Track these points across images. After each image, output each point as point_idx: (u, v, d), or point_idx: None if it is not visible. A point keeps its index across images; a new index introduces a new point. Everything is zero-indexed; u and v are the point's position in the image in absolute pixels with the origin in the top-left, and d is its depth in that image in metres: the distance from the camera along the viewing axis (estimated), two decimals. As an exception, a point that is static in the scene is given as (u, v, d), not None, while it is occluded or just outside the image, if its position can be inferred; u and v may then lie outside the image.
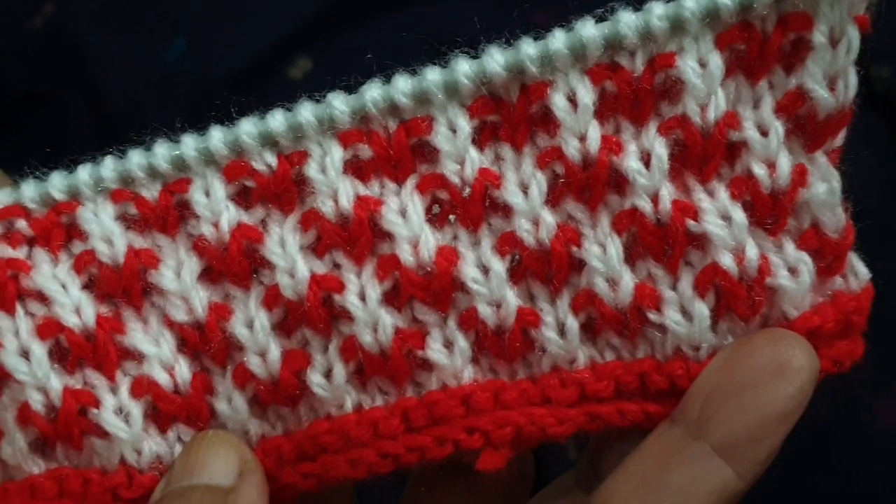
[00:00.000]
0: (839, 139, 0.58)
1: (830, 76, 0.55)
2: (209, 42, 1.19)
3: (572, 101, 0.56)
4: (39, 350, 0.58)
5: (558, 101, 0.56)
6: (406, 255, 0.58)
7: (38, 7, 1.21)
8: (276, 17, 1.21)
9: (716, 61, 0.55)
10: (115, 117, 1.15)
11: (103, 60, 1.18)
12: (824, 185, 0.58)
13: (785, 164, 0.56)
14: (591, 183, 0.57)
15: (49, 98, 1.19)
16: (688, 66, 0.55)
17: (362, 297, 0.58)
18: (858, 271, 0.61)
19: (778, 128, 0.56)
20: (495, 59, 0.56)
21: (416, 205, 0.58)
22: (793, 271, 0.58)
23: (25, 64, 1.20)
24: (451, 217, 0.59)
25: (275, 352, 0.59)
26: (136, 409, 0.59)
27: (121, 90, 1.16)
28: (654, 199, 0.57)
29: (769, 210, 0.57)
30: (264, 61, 1.19)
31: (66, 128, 1.17)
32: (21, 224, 0.60)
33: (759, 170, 0.56)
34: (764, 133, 0.56)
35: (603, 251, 0.58)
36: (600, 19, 0.56)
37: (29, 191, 0.60)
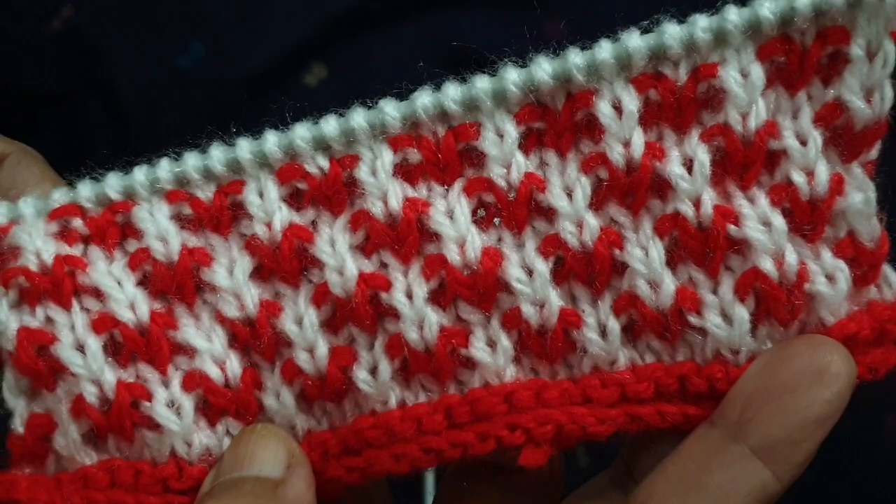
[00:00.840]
0: (874, 151, 0.60)
1: (867, 88, 0.57)
2: (226, 48, 1.21)
3: (617, 108, 0.58)
4: (94, 344, 0.60)
5: (604, 109, 0.58)
6: (453, 255, 0.59)
7: (56, 10, 1.23)
8: (292, 24, 1.23)
9: (757, 72, 0.57)
10: (132, 120, 1.17)
11: (121, 64, 1.20)
12: (860, 195, 0.59)
13: (823, 172, 0.58)
14: (635, 187, 0.59)
15: (66, 100, 1.21)
16: (730, 76, 0.57)
17: (409, 296, 0.60)
18: (892, 281, 0.62)
19: (816, 137, 0.58)
20: (543, 68, 0.58)
21: (462, 206, 0.60)
22: (830, 278, 0.59)
23: (43, 66, 1.22)
24: (496, 220, 0.60)
25: (322, 348, 0.61)
26: (187, 402, 0.61)
27: (138, 94, 1.19)
28: (697, 203, 0.58)
29: (808, 217, 0.59)
30: (280, 67, 1.21)
31: (84, 130, 1.19)
32: (77, 223, 0.62)
33: (799, 177, 0.58)
34: (803, 142, 0.58)
35: (645, 254, 0.59)
36: (645, 31, 0.58)
37: (85, 191, 0.63)
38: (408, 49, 1.16)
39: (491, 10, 1.13)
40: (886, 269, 0.62)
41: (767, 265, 0.58)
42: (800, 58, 0.57)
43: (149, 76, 1.20)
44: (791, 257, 0.58)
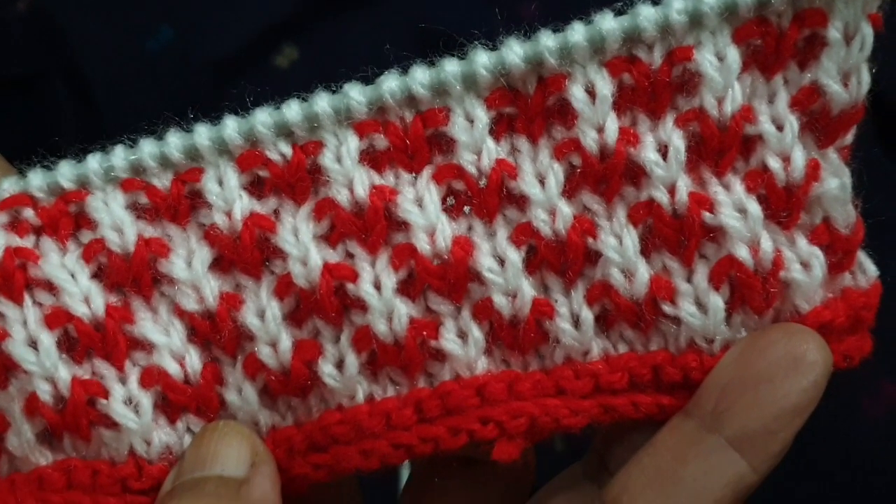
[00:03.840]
0: (850, 136, 0.59)
1: (844, 72, 0.56)
2: (195, 30, 1.19)
3: (591, 92, 0.57)
4: (48, 340, 0.58)
5: (577, 93, 0.56)
6: (422, 244, 0.58)
7: None
8: (262, 5, 1.21)
9: (733, 55, 0.56)
10: (99, 104, 1.15)
11: (88, 47, 1.17)
12: (836, 181, 0.58)
13: (799, 157, 0.57)
14: (608, 174, 0.57)
15: (33, 84, 1.18)
16: (705, 60, 0.56)
17: (377, 286, 0.58)
18: (867, 268, 0.62)
19: (793, 122, 0.57)
20: (514, 51, 0.56)
21: (432, 194, 0.58)
22: (805, 265, 0.58)
23: (8, 49, 1.19)
24: (467, 208, 0.59)
25: (286, 342, 0.59)
26: (145, 400, 0.59)
27: (106, 77, 1.16)
28: (671, 190, 0.57)
29: (783, 203, 0.58)
30: (250, 50, 1.19)
31: (50, 114, 1.17)
32: (28, 213, 0.60)
33: (775, 163, 0.57)
34: (779, 127, 0.57)
35: (619, 242, 0.58)
36: (619, 13, 0.56)
37: (36, 180, 0.60)
38: (380, 30, 1.15)
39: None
40: (861, 255, 0.61)
41: (743, 253, 0.57)
42: (776, 41, 0.56)
43: (117, 59, 1.18)
44: (766, 245, 0.57)
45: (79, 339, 0.59)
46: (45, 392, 0.58)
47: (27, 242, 0.59)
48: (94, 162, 0.60)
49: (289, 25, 1.19)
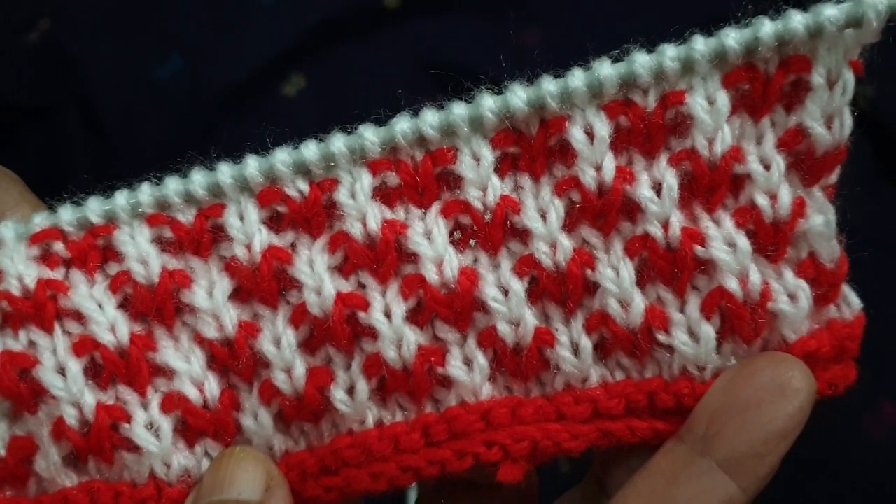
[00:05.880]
0: (834, 176, 0.63)
1: (828, 115, 0.60)
2: (204, 59, 1.22)
3: (589, 134, 0.60)
4: (75, 367, 0.61)
5: (577, 134, 0.60)
6: (431, 275, 0.61)
7: (33, 22, 1.23)
8: (270, 34, 1.24)
9: (723, 99, 0.59)
10: (110, 132, 1.17)
11: (99, 76, 1.20)
12: (821, 218, 0.62)
13: (786, 195, 0.60)
14: (606, 210, 0.61)
15: (44, 113, 1.20)
16: (697, 104, 0.59)
17: (388, 315, 0.61)
18: (851, 301, 0.65)
19: (779, 162, 0.60)
20: (518, 95, 0.60)
21: (440, 228, 0.61)
22: (792, 297, 0.62)
23: (21, 79, 1.22)
24: (473, 241, 0.62)
25: (300, 368, 0.62)
26: (166, 424, 0.62)
27: (116, 106, 1.18)
28: (665, 225, 0.60)
29: (771, 238, 0.61)
30: (258, 78, 1.22)
31: (62, 143, 1.19)
32: (58, 246, 0.63)
33: (762, 200, 0.60)
34: (766, 167, 0.60)
35: (616, 274, 0.61)
36: (615, 59, 0.60)
37: (66, 214, 0.63)
38: (386, 58, 1.18)
39: (468, 19, 1.13)
40: (845, 288, 0.64)
41: (732, 284, 0.60)
42: (763, 85, 0.60)
43: (127, 88, 1.20)
44: (755, 277, 0.60)
45: (104, 366, 0.61)
46: (71, 417, 0.60)
47: (57, 274, 0.62)
48: (121, 198, 0.63)
49: (296, 54, 1.22)
